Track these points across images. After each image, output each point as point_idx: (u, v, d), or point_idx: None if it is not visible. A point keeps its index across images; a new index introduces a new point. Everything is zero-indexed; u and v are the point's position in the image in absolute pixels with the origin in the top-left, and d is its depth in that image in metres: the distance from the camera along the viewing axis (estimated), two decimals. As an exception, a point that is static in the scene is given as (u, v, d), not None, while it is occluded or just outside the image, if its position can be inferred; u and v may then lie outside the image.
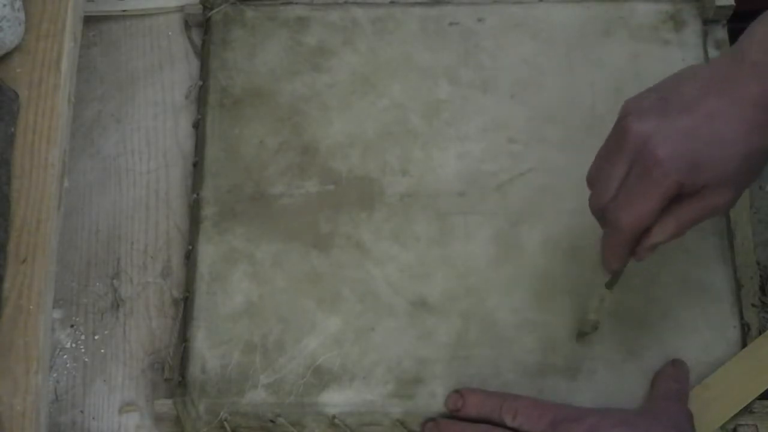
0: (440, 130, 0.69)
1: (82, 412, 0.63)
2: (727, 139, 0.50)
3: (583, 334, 0.63)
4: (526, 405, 0.58)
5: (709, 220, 0.65)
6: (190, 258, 0.66)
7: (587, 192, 0.66)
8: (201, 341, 0.63)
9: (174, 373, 0.63)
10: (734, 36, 0.72)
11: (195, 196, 0.67)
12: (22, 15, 0.61)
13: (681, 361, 0.62)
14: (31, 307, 0.56)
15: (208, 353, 0.63)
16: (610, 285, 0.59)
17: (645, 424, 0.56)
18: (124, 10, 0.73)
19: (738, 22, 0.68)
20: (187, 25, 0.73)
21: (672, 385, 0.60)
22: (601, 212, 0.54)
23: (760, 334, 0.63)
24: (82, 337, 0.65)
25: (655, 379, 0.61)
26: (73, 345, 0.65)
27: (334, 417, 0.61)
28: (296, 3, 0.72)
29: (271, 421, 0.61)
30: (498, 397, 0.59)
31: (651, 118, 0.51)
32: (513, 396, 0.59)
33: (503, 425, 0.58)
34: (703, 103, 0.50)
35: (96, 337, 0.65)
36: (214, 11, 0.72)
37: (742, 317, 0.64)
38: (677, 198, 0.51)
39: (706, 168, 0.50)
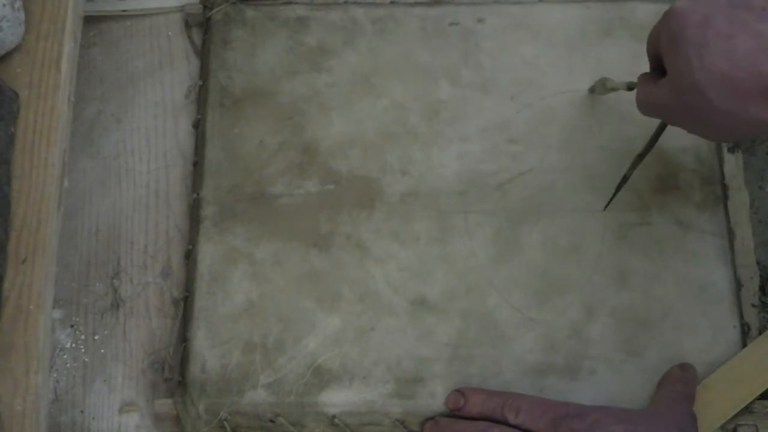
0: (440, 131, 0.69)
1: (82, 412, 0.63)
2: (710, 72, 0.49)
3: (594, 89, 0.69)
4: (529, 402, 0.58)
5: (708, 221, 0.66)
6: (190, 258, 0.66)
7: (587, 192, 0.67)
8: (201, 341, 0.63)
9: (174, 373, 0.63)
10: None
11: (195, 196, 0.67)
12: (22, 15, 0.61)
13: (689, 364, 0.62)
14: (31, 307, 0.56)
15: (208, 353, 0.63)
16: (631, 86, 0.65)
17: (647, 423, 0.56)
18: (124, 10, 0.73)
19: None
20: (187, 25, 0.73)
21: (678, 387, 0.60)
22: None
23: (760, 334, 0.64)
24: (82, 337, 0.65)
25: (662, 381, 0.61)
26: (73, 345, 0.65)
27: (334, 417, 0.61)
28: (296, 3, 0.72)
29: (271, 420, 0.61)
30: (500, 396, 0.59)
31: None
32: (515, 394, 0.59)
33: (505, 423, 0.58)
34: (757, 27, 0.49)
35: (96, 337, 0.65)
36: (214, 11, 0.72)
37: (742, 317, 0.64)
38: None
39: (675, 57, 0.51)
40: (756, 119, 0.50)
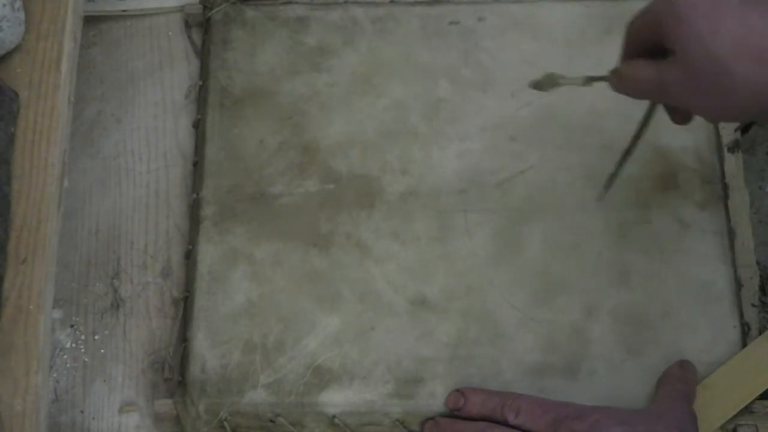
0: (440, 129, 0.69)
1: (82, 412, 0.63)
2: (723, 39, 0.49)
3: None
4: (529, 403, 0.58)
5: (708, 220, 0.66)
6: (190, 258, 0.66)
7: (587, 190, 0.67)
8: (201, 341, 0.63)
9: (174, 373, 0.63)
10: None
11: (195, 196, 0.67)
12: (22, 15, 0.61)
13: (688, 362, 0.62)
14: (31, 307, 0.56)
15: (208, 353, 0.63)
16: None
17: (647, 423, 0.56)
18: (124, 10, 0.73)
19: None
20: (187, 25, 0.73)
21: (678, 386, 0.60)
22: None
23: (760, 334, 0.63)
24: (82, 337, 0.65)
25: (662, 379, 0.61)
26: (73, 345, 0.65)
27: (334, 417, 0.61)
28: (296, 3, 0.72)
29: (271, 421, 0.61)
30: (500, 396, 0.59)
31: None
32: (515, 394, 0.59)
33: (505, 424, 0.58)
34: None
35: (96, 337, 0.65)
36: (214, 11, 0.72)
37: (742, 317, 0.64)
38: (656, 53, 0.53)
39: (683, 32, 0.50)
40: None
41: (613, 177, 0.65)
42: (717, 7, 0.50)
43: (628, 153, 0.64)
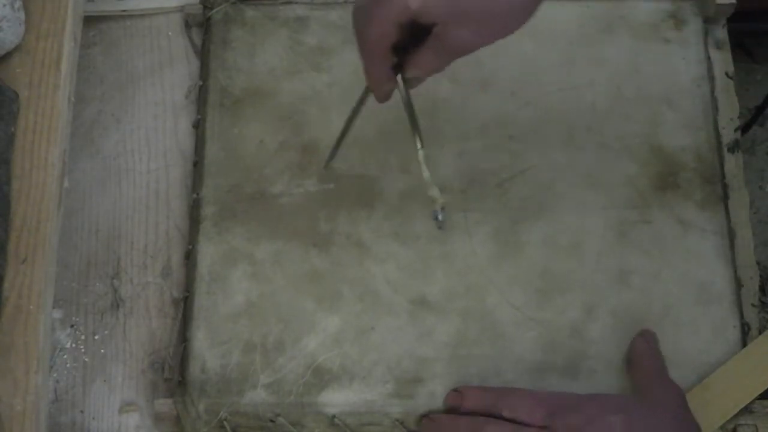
0: (440, 129, 0.69)
1: (82, 412, 0.63)
2: None
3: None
4: (524, 396, 0.58)
5: (708, 220, 0.66)
6: (190, 258, 0.66)
7: (587, 190, 0.67)
8: (201, 341, 0.63)
9: (174, 373, 0.63)
10: (734, 35, 0.72)
11: (195, 196, 0.67)
12: (22, 15, 0.61)
13: (648, 330, 0.62)
14: (31, 307, 0.56)
15: (208, 353, 0.63)
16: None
17: (642, 410, 0.56)
18: (124, 10, 0.73)
19: (739, 21, 0.68)
20: (187, 25, 0.73)
21: (652, 363, 0.60)
22: None
23: (760, 334, 0.63)
24: (82, 337, 0.65)
25: (633, 358, 0.61)
26: (73, 345, 0.65)
27: (333, 417, 0.61)
28: (296, 3, 0.72)
29: (271, 420, 0.61)
30: (496, 391, 0.60)
31: None
32: (510, 389, 0.60)
33: (502, 418, 0.58)
34: None
35: (96, 337, 0.65)
36: (214, 11, 0.72)
37: (742, 317, 0.64)
38: (425, 33, 0.53)
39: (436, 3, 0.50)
40: None
41: (334, 149, 0.65)
42: None
43: (347, 127, 0.63)
